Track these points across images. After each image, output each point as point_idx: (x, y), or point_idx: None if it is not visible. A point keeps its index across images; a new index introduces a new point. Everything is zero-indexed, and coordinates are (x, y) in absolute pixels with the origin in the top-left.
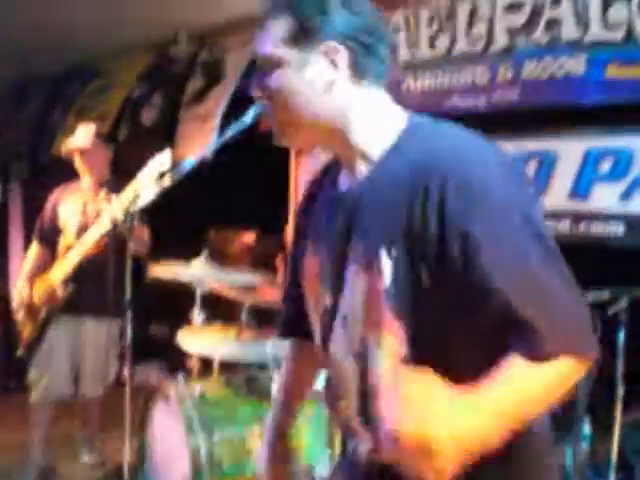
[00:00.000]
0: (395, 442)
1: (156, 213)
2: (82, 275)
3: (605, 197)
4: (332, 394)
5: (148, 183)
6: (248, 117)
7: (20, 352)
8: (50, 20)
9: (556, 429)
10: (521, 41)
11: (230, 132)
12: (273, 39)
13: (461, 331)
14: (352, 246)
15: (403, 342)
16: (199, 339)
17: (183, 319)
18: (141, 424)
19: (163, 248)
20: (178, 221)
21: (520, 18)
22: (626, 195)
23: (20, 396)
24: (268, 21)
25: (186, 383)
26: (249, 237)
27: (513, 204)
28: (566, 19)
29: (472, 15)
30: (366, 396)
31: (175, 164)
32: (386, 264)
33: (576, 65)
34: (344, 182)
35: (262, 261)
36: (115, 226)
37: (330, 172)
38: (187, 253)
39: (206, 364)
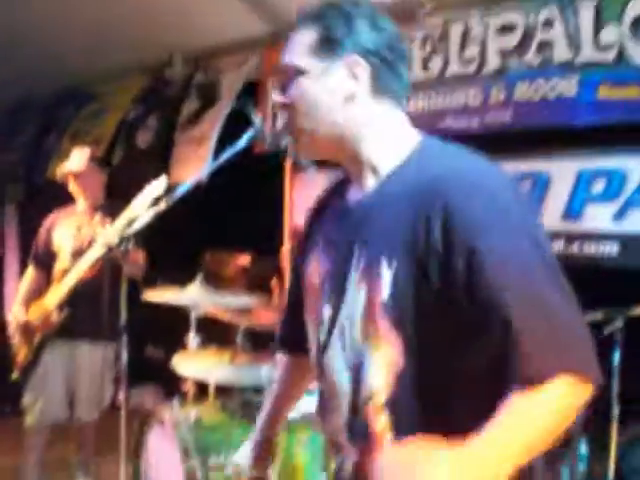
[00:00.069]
0: None
1: (151, 236)
2: (77, 299)
3: (598, 217)
4: (323, 407)
5: (143, 209)
6: (243, 140)
7: (15, 376)
8: (44, 44)
9: (552, 449)
10: (513, 63)
11: (225, 155)
12: (298, 48)
13: (461, 351)
14: (354, 258)
15: (401, 354)
16: (194, 363)
17: (179, 342)
18: (136, 448)
19: (159, 271)
20: (173, 244)
21: (512, 40)
22: (619, 215)
23: (15, 420)
24: (295, 32)
25: (181, 407)
26: (244, 259)
27: (518, 222)
28: (558, 41)
29: (464, 37)
30: (356, 411)
31: (170, 186)
32: (385, 275)
33: (568, 86)
34: (352, 195)
35: (257, 283)
36: (110, 250)
37: (339, 186)
38: (182, 276)
39: (202, 388)
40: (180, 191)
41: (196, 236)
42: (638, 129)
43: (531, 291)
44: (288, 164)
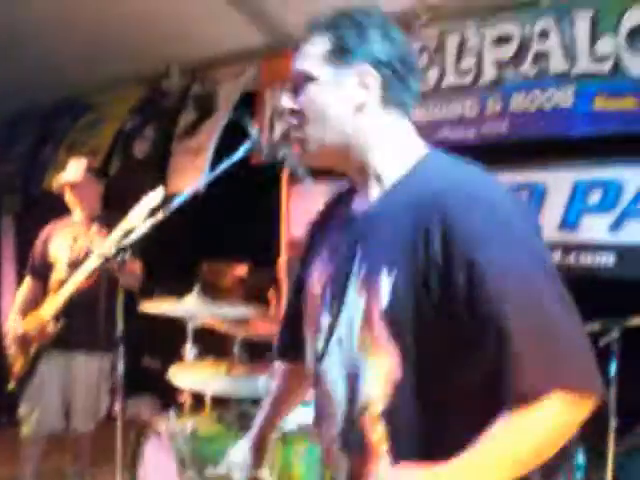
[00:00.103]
0: None
1: (148, 246)
2: (73, 310)
3: (595, 228)
4: (319, 417)
5: (139, 220)
6: (240, 151)
7: (11, 386)
8: (42, 54)
9: (549, 460)
10: (509, 74)
11: (222, 166)
12: (311, 56)
13: (460, 364)
14: (356, 266)
15: (398, 365)
16: (191, 375)
17: (176, 352)
18: (132, 459)
19: (155, 281)
20: (170, 254)
21: (508, 51)
22: (616, 226)
23: (11, 430)
24: (308, 39)
25: (178, 419)
26: (241, 270)
27: (518, 234)
28: (554, 52)
29: (461, 48)
30: (352, 421)
31: (167, 197)
32: (385, 284)
33: (564, 97)
34: (357, 205)
35: (254, 294)
36: (106, 260)
37: (343, 197)
38: (179, 286)
39: (198, 399)
40: (177, 202)
41: (193, 247)
42: (634, 140)
43: (530, 304)
44: (285, 175)
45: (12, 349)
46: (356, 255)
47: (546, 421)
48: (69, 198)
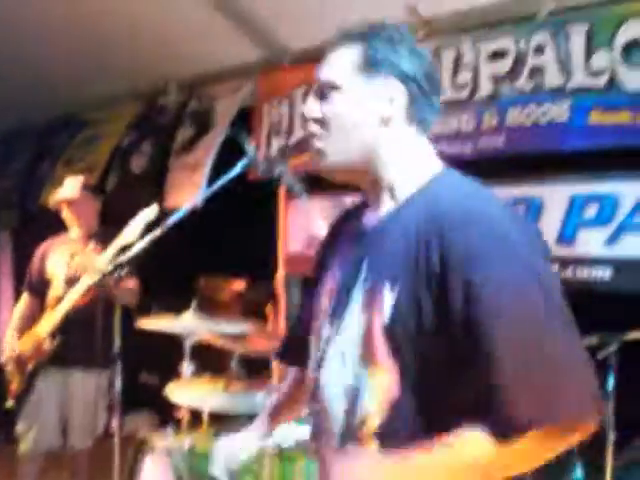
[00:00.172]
0: None
1: (145, 262)
2: (70, 326)
3: (591, 242)
4: (316, 430)
5: (134, 236)
6: (237, 167)
7: (8, 404)
8: (38, 72)
9: (548, 473)
10: (505, 88)
11: (220, 182)
12: (339, 65)
13: (456, 384)
14: (361, 279)
15: (396, 381)
16: (188, 391)
17: (173, 369)
18: (130, 476)
19: (152, 297)
20: (168, 270)
21: (504, 66)
22: (612, 240)
23: (9, 448)
24: (337, 48)
25: (175, 435)
26: (239, 285)
27: (516, 250)
28: (549, 66)
29: (457, 63)
30: (348, 435)
31: (165, 213)
32: (387, 298)
33: (560, 111)
34: (369, 219)
35: (252, 309)
36: (103, 277)
37: (354, 211)
38: (177, 302)
39: (196, 415)
40: (175, 217)
41: (190, 262)
42: (630, 154)
43: (524, 324)
44: (282, 191)
45: (9, 366)
46: (361, 268)
47: (509, 454)
48: (66, 215)
